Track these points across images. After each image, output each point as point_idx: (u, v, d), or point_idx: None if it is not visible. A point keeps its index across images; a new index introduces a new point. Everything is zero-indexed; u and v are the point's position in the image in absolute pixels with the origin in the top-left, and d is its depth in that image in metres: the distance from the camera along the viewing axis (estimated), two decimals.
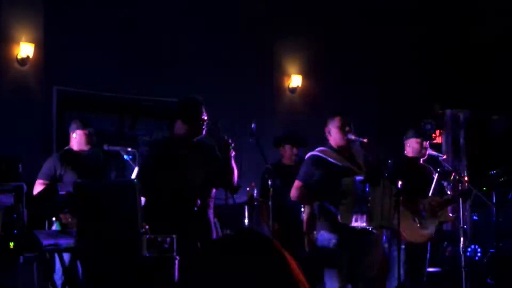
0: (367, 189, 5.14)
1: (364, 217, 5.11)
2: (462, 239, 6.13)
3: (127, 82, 8.48)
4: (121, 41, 8.44)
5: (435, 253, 7.95)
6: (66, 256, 5.15)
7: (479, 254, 8.59)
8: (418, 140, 6.21)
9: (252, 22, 9.19)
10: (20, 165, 4.89)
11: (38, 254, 4.70)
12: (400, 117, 8.83)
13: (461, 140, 9.68)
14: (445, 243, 8.52)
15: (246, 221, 7.50)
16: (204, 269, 1.46)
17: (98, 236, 4.54)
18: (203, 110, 5.25)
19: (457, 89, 9.58)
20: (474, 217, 9.04)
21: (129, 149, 6.39)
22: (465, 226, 6.49)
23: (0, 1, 7.65)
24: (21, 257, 4.58)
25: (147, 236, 4.47)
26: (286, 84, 9.81)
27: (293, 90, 9.80)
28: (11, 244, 4.43)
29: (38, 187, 6.08)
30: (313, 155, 5.45)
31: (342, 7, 9.87)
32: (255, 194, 7.29)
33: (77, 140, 6.29)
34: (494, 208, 8.26)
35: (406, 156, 6.26)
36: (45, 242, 4.57)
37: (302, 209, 7.13)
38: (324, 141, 5.55)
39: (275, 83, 9.75)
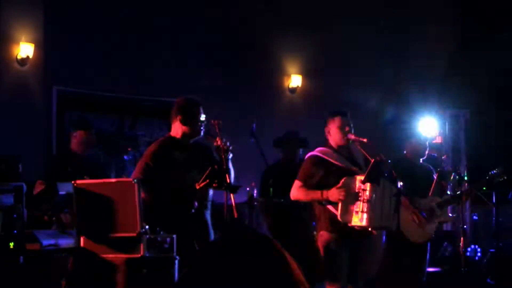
0: (367, 189, 5.14)
1: (364, 217, 5.11)
2: (462, 239, 6.12)
3: (127, 82, 8.48)
4: (121, 41, 8.44)
5: (435, 253, 7.96)
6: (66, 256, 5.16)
7: (479, 254, 8.59)
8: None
9: (252, 22, 9.19)
10: (20, 165, 4.89)
11: (38, 254, 4.70)
12: (400, 117, 8.84)
13: (461, 140, 9.68)
14: (445, 243, 8.52)
15: (246, 221, 7.51)
16: (204, 269, 1.45)
17: (98, 236, 4.54)
18: (201, 110, 5.24)
19: (457, 89, 9.58)
20: (474, 217, 9.04)
21: (129, 149, 6.39)
22: (465, 226, 6.50)
23: (0, 1, 7.65)
24: (21, 257, 4.58)
25: (147, 236, 4.47)
26: (286, 84, 9.81)
27: (293, 90, 9.80)
28: (11, 244, 4.43)
29: (38, 187, 6.08)
30: (313, 155, 5.45)
31: (342, 7, 9.86)
32: (255, 194, 7.29)
33: (77, 140, 6.29)
34: (494, 208, 8.26)
35: (406, 156, 6.26)
36: (45, 242, 4.56)
37: (302, 209, 7.13)
38: (324, 141, 5.55)
39: (275, 83, 9.74)
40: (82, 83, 8.23)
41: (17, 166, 4.90)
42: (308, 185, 5.34)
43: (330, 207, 5.27)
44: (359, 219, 5.12)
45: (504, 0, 9.90)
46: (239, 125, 7.49)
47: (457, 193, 6.14)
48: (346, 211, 5.16)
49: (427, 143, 6.27)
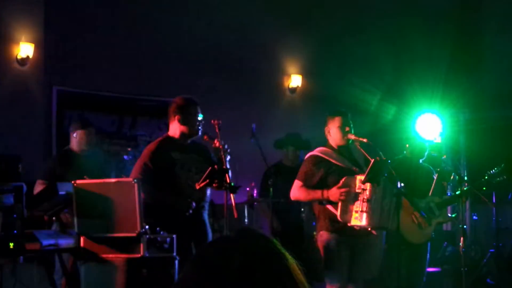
0: (367, 188, 5.14)
1: (364, 216, 5.11)
2: (462, 239, 6.12)
3: (127, 82, 8.48)
4: (121, 41, 8.44)
5: (435, 253, 7.96)
6: (66, 256, 5.16)
7: (479, 254, 8.59)
8: None
9: (252, 21, 9.18)
10: (20, 165, 4.88)
11: (38, 254, 4.70)
12: (400, 117, 8.83)
13: (461, 140, 9.68)
14: (445, 243, 8.52)
15: (246, 220, 7.52)
16: (202, 268, 1.45)
17: (98, 236, 4.54)
18: (199, 110, 5.24)
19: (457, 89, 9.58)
20: (474, 217, 9.04)
21: (129, 149, 6.39)
22: (465, 226, 6.49)
23: (0, 1, 7.65)
24: (21, 257, 4.58)
25: (147, 236, 4.47)
26: (286, 84, 9.81)
27: (293, 90, 9.80)
28: (11, 244, 4.42)
29: (38, 187, 6.08)
30: (313, 155, 5.45)
31: (342, 7, 9.86)
32: (255, 194, 7.29)
33: (77, 140, 6.29)
34: (494, 208, 8.26)
35: (406, 156, 6.26)
36: (45, 242, 4.56)
37: (302, 209, 7.14)
38: (324, 141, 5.55)
39: (275, 83, 9.74)
40: (82, 83, 8.23)
41: (17, 166, 4.89)
42: (308, 185, 5.34)
43: (329, 206, 5.27)
44: (359, 219, 5.12)
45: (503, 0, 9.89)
46: (239, 125, 7.49)
47: (457, 193, 6.13)
48: (346, 211, 5.16)
49: (427, 143, 6.26)
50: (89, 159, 6.21)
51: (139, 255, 4.43)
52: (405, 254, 5.78)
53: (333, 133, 5.43)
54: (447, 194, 6.33)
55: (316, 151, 5.46)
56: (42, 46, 7.85)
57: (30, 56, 7.73)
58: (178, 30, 8.79)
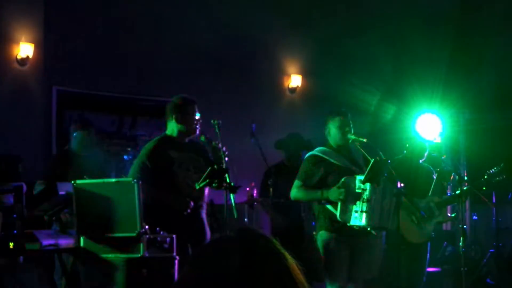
0: (367, 188, 5.14)
1: (363, 216, 5.11)
2: (462, 239, 6.12)
3: (126, 82, 8.48)
4: (121, 41, 8.43)
5: (435, 253, 7.96)
6: (66, 256, 5.16)
7: (479, 254, 8.59)
8: None
9: (252, 22, 9.18)
10: (20, 165, 4.89)
11: (38, 254, 4.70)
12: (400, 117, 8.83)
13: (461, 140, 9.68)
14: (445, 243, 8.52)
15: (246, 220, 7.52)
16: (202, 268, 1.45)
17: (98, 236, 4.54)
18: (196, 109, 5.24)
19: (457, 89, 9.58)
20: (474, 217, 9.04)
21: (129, 149, 6.40)
22: (465, 226, 6.49)
23: (0, 1, 7.65)
24: (21, 257, 4.58)
25: (147, 236, 4.47)
26: (286, 84, 9.81)
27: (293, 90, 9.80)
28: (11, 244, 4.42)
29: (38, 187, 6.09)
30: (312, 155, 5.45)
31: (342, 7, 9.86)
32: (255, 194, 7.29)
33: (77, 140, 6.29)
34: (494, 208, 8.26)
35: (406, 156, 6.26)
36: (45, 242, 4.56)
37: (302, 209, 7.14)
38: (324, 141, 5.56)
39: (275, 83, 9.75)
40: (82, 83, 8.23)
41: (17, 166, 4.90)
42: (307, 185, 5.34)
43: (329, 206, 5.27)
44: (358, 219, 5.12)
45: (503, 0, 9.90)
46: (239, 125, 7.49)
47: (457, 192, 6.13)
48: (346, 211, 5.16)
49: (427, 143, 6.27)
50: (89, 159, 6.22)
51: (139, 255, 4.43)
52: (405, 254, 5.78)
53: (333, 133, 5.43)
54: (447, 194, 6.33)
55: (316, 151, 5.46)
56: (42, 46, 7.85)
57: (30, 56, 7.73)
58: (178, 30, 8.79)
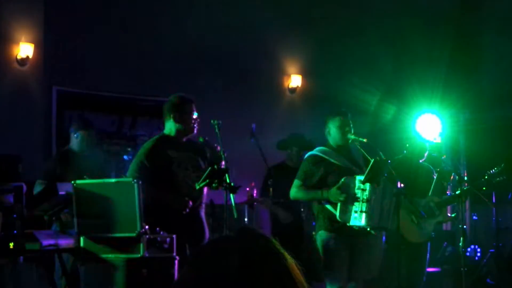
0: (367, 188, 5.14)
1: (363, 216, 5.11)
2: (462, 239, 6.13)
3: (127, 82, 8.48)
4: (121, 41, 8.43)
5: (435, 253, 7.96)
6: (66, 256, 5.16)
7: (479, 254, 8.59)
8: None
9: (252, 21, 9.18)
10: (20, 165, 4.89)
11: (38, 254, 4.70)
12: (400, 117, 8.83)
13: (461, 140, 9.68)
14: (445, 243, 8.52)
15: (246, 220, 7.52)
16: (202, 267, 1.45)
17: (98, 236, 4.54)
18: (194, 108, 5.24)
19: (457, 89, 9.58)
20: (474, 217, 9.04)
21: (129, 149, 6.40)
22: (464, 226, 6.49)
23: (0, 1, 7.65)
24: (21, 257, 4.58)
25: (147, 236, 4.47)
26: (286, 84, 9.81)
27: (293, 90, 9.80)
28: (11, 244, 4.43)
29: (38, 187, 6.09)
30: (312, 155, 5.45)
31: (342, 7, 9.86)
32: (255, 194, 7.29)
33: (79, 140, 6.29)
34: (494, 208, 8.26)
35: (406, 156, 6.26)
36: (45, 242, 4.56)
37: (302, 209, 7.14)
38: (324, 141, 5.56)
39: (275, 83, 9.74)
40: (82, 83, 8.23)
41: (17, 166, 4.90)
42: (307, 185, 5.35)
43: (329, 206, 5.27)
44: (358, 219, 5.12)
45: (503, 0, 9.90)
46: (239, 125, 7.48)
47: (457, 192, 6.14)
48: (345, 211, 5.16)
49: (427, 143, 6.27)
50: (89, 159, 6.22)
51: (139, 255, 4.43)
52: (405, 254, 5.78)
53: (333, 133, 5.43)
54: (447, 194, 6.33)
55: (316, 151, 5.46)
56: (42, 46, 7.85)
57: (30, 56, 7.73)
58: (178, 30, 8.79)
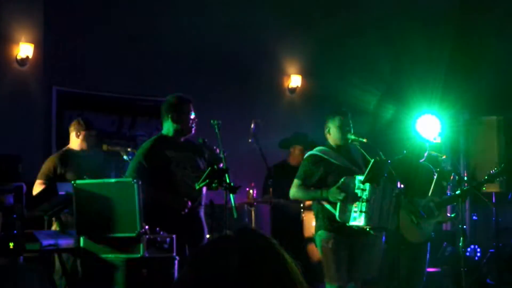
0: (367, 189, 5.14)
1: (363, 216, 5.11)
2: (462, 239, 6.12)
3: (126, 82, 8.48)
4: (121, 41, 8.43)
5: (435, 253, 7.96)
6: (66, 256, 5.16)
7: (478, 254, 8.59)
8: None
9: (252, 21, 9.18)
10: (20, 165, 4.89)
11: (38, 254, 4.71)
12: (400, 118, 8.83)
13: (461, 140, 9.68)
14: (445, 243, 8.52)
15: (246, 220, 7.52)
16: (202, 268, 1.45)
17: (98, 236, 4.54)
18: (191, 108, 5.24)
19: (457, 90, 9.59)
20: (474, 217, 9.04)
21: (129, 149, 6.40)
22: (464, 226, 6.49)
23: (0, 1, 7.65)
24: (21, 257, 4.59)
25: (147, 236, 4.47)
26: (286, 84, 9.81)
27: (293, 90, 9.80)
28: (11, 244, 4.43)
29: (38, 187, 6.08)
30: (312, 154, 5.45)
31: (342, 7, 9.86)
32: (255, 194, 7.29)
33: (80, 140, 6.30)
34: (494, 208, 8.26)
35: (406, 156, 6.26)
36: (45, 242, 4.57)
37: (302, 209, 7.14)
38: (324, 141, 5.56)
39: (275, 83, 9.74)
40: (82, 83, 8.22)
41: (17, 166, 4.90)
42: (307, 184, 5.34)
43: (328, 206, 5.27)
44: (357, 219, 5.12)
45: (503, 1, 9.90)
46: (239, 125, 7.49)
47: (457, 192, 6.14)
48: (345, 211, 5.16)
49: (427, 143, 6.27)
50: (89, 159, 6.22)
51: (139, 255, 4.43)
52: (405, 254, 5.78)
53: (333, 132, 5.43)
54: (447, 194, 6.33)
55: (316, 151, 5.46)
56: (41, 46, 7.85)
57: (30, 56, 7.73)
58: (178, 30, 8.78)
